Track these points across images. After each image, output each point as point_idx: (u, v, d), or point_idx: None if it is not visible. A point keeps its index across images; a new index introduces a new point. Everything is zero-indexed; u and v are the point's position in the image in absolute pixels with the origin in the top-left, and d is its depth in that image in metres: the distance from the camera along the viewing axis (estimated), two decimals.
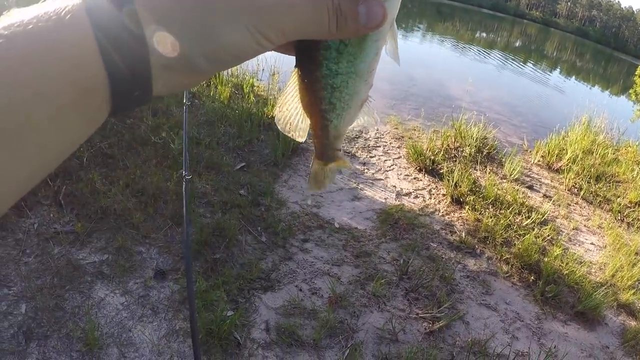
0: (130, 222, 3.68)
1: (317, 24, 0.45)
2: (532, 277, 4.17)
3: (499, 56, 17.68)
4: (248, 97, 6.57)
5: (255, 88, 7.22)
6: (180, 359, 2.75)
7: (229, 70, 7.64)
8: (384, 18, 0.47)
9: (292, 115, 0.62)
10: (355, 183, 5.07)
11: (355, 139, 6.18)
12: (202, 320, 2.88)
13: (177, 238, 3.69)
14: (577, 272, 4.30)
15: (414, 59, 12.33)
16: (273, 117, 0.68)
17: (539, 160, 6.90)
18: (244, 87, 6.94)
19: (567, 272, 4.28)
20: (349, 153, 5.71)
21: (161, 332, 2.90)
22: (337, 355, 2.94)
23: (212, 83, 6.89)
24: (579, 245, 5.06)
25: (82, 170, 4.09)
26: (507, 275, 4.15)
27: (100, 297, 3.07)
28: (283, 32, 0.45)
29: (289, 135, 0.65)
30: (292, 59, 0.55)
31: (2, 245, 3.38)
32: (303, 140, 0.66)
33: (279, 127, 0.64)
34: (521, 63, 17.50)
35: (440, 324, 3.34)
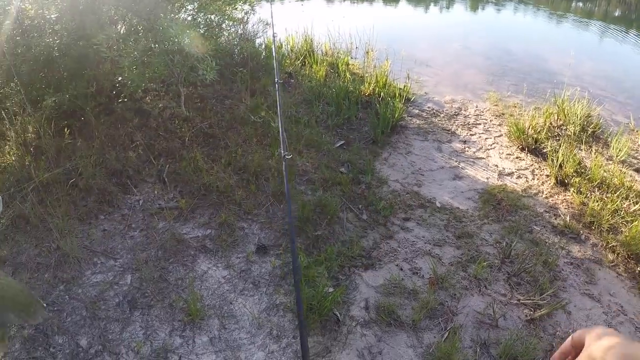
0: (232, 198, 3.80)
1: None
2: (638, 268, 3.90)
3: (599, 26, 16.53)
4: (344, 75, 6.53)
5: (350, 66, 7.18)
6: (280, 332, 2.81)
7: (323, 49, 7.65)
8: None
9: None
10: (456, 162, 4.94)
11: (455, 116, 6.01)
12: (303, 296, 2.91)
13: (279, 214, 3.76)
14: None
15: (509, 31, 11.75)
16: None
17: None
18: (339, 65, 6.90)
19: None
20: (448, 131, 5.58)
21: (262, 305, 2.98)
22: (435, 338, 2.89)
23: (307, 63, 6.94)
24: None
25: (185, 149, 4.25)
26: (613, 264, 3.90)
27: (203, 270, 3.21)
28: None
29: None
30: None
31: (109, 220, 3.59)
32: None
33: None
34: (623, 33, 16.30)
35: (542, 312, 3.20)
